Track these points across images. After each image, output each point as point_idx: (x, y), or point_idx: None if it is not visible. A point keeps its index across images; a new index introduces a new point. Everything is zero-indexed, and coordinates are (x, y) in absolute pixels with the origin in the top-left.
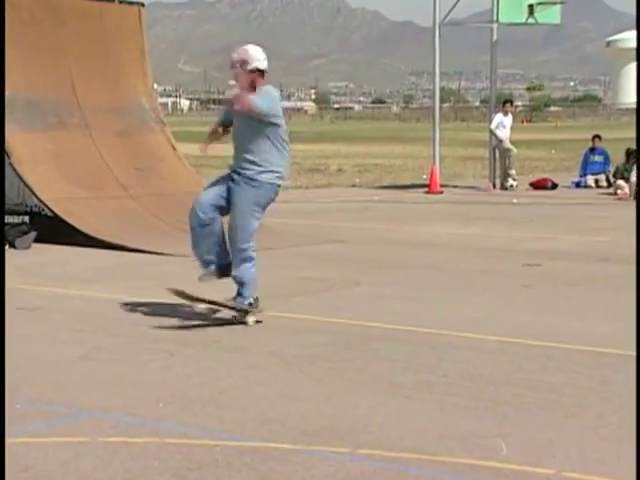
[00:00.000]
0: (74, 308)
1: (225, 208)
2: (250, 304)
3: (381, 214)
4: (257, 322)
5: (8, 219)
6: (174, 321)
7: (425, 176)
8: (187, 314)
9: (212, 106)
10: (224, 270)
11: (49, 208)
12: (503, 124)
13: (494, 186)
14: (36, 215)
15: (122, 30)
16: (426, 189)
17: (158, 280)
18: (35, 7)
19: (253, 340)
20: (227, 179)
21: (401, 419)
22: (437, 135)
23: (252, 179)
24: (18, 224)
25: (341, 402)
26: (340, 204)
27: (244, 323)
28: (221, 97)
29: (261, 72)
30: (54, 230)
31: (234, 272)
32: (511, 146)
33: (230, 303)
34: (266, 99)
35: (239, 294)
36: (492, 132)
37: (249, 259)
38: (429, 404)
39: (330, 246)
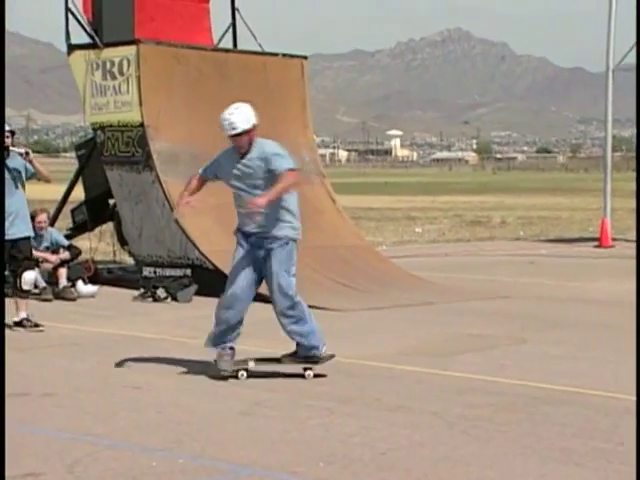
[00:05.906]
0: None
1: None
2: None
3: (548, 269)
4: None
5: (170, 272)
6: (334, 377)
7: (593, 229)
8: (346, 371)
9: (370, 157)
10: None
11: (210, 261)
12: None
13: None
14: (197, 268)
15: (285, 83)
16: (596, 243)
17: None
18: (203, 64)
19: (415, 399)
20: None
21: None
22: (608, 186)
23: None
24: (180, 277)
25: (508, 467)
26: (504, 258)
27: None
28: (379, 148)
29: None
30: (214, 283)
31: None
32: None
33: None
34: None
35: None
36: None
37: None
38: (606, 474)
39: (494, 302)
